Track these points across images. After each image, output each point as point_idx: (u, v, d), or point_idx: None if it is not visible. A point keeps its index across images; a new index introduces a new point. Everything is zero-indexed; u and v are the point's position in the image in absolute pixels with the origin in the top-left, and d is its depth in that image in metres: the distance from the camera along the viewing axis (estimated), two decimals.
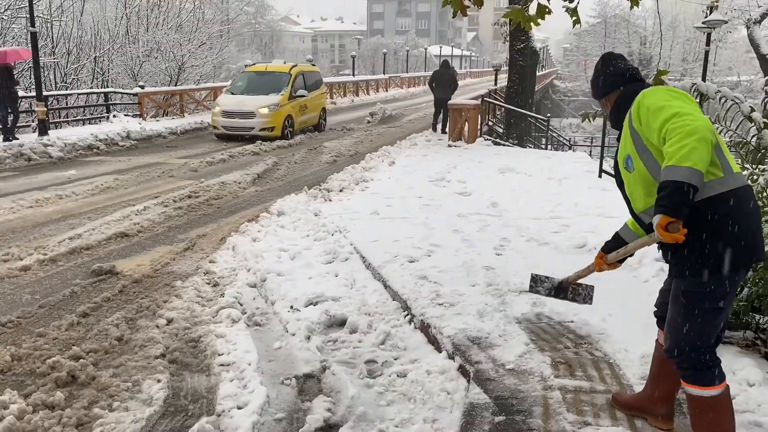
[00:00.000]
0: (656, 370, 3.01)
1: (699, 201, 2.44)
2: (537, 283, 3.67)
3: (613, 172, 2.99)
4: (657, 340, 3.02)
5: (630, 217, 2.95)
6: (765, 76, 20.33)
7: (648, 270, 5.09)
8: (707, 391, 2.59)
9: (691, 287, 2.56)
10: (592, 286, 3.50)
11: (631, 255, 2.91)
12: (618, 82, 2.84)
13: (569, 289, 3.59)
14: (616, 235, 3.06)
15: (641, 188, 2.68)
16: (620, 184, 2.89)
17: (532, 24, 3.72)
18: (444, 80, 15.96)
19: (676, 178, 2.31)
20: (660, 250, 2.78)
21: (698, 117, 2.38)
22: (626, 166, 2.74)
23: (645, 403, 3.07)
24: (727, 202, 2.47)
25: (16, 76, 13.74)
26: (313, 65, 19.29)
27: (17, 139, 12.60)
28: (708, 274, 2.50)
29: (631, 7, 4.01)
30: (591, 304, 3.59)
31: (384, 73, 40.26)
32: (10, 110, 12.70)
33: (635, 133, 2.63)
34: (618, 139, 2.86)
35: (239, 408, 3.40)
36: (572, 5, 3.81)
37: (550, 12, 3.71)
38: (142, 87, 18.89)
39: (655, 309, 3.01)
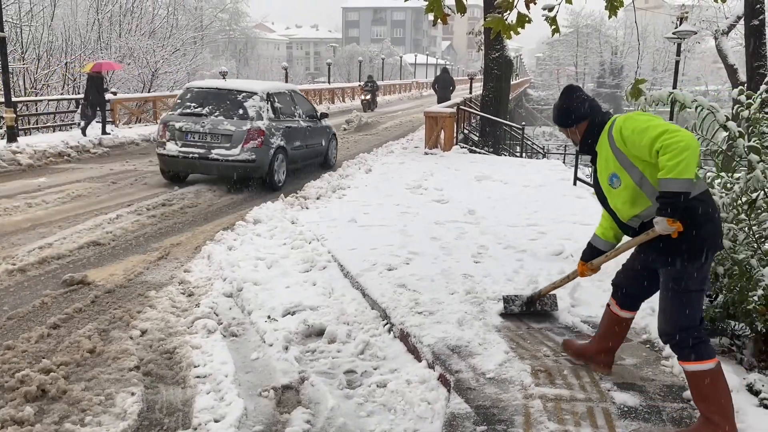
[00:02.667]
0: (605, 329, 3.60)
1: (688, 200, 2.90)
2: (509, 303, 4.37)
3: (593, 189, 3.42)
4: (608, 305, 3.59)
5: (596, 230, 3.53)
6: (732, 87, 20.79)
7: None
8: (706, 365, 2.96)
9: (681, 274, 2.98)
10: (555, 294, 4.35)
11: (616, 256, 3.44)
12: (588, 111, 3.24)
13: (536, 302, 4.37)
14: (592, 246, 3.56)
15: (628, 199, 3.09)
16: (602, 200, 3.31)
17: (511, 32, 3.74)
18: (445, 83, 21.00)
19: (676, 189, 2.79)
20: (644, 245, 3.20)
21: (685, 132, 2.81)
22: (611, 184, 3.14)
23: (591, 353, 3.68)
24: (703, 202, 2.97)
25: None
26: None
27: (108, 133, 14.92)
28: (693, 262, 2.96)
29: (609, 17, 4.05)
30: (558, 309, 4.43)
31: (359, 81, 40.31)
32: (99, 110, 14.85)
33: (620, 153, 3.03)
34: (593, 162, 3.29)
35: (216, 421, 3.33)
36: (552, 14, 3.83)
37: (530, 21, 3.73)
38: (115, 93, 18.62)
39: (614, 279, 3.55)
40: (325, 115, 11.92)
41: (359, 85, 31.95)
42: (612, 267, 3.81)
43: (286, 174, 10.25)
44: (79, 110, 15.55)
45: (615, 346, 3.63)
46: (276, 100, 10.21)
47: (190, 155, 9.47)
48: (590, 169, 3.51)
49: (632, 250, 3.35)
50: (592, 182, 3.41)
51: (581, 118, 3.23)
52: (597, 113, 3.23)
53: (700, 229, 2.92)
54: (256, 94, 9.79)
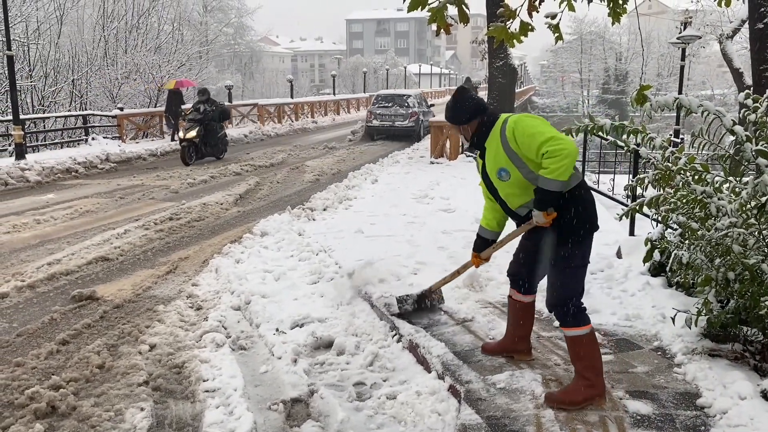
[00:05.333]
0: (515, 318, 3.92)
1: (566, 191, 3.36)
2: (403, 303, 4.65)
3: (481, 180, 3.73)
4: (510, 297, 3.94)
5: (481, 222, 3.93)
6: (738, 90, 20.70)
7: (634, 284, 5.08)
8: (583, 330, 3.42)
9: (566, 252, 3.42)
10: (441, 290, 4.80)
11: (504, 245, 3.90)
12: (480, 110, 3.60)
13: (426, 299, 4.75)
14: (481, 237, 3.96)
15: (518, 191, 3.49)
16: (492, 191, 3.66)
17: (514, 41, 3.74)
18: None
19: (552, 189, 3.28)
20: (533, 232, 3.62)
21: (567, 140, 3.25)
22: (500, 177, 3.52)
23: (509, 346, 3.97)
24: (581, 193, 3.42)
25: None
26: None
27: (175, 141, 17.16)
28: (576, 242, 3.41)
29: (613, 23, 4.04)
30: (444, 303, 4.85)
31: (364, 92, 40.45)
32: (174, 122, 17.64)
33: (511, 151, 3.41)
34: (482, 156, 3.65)
35: None
36: (554, 22, 3.83)
37: (533, 29, 3.73)
38: (122, 109, 18.75)
39: (510, 270, 3.93)
40: (432, 105, 23.27)
41: (182, 112, 16.04)
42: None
43: (422, 134, 19.96)
44: (165, 122, 18.91)
45: (528, 331, 3.96)
46: (417, 98, 21.31)
47: (385, 126, 20.40)
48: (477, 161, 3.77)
49: (518, 239, 3.78)
50: (480, 174, 3.78)
51: (473, 116, 3.59)
52: (486, 113, 3.60)
53: (580, 214, 3.39)
54: (411, 96, 21.14)
